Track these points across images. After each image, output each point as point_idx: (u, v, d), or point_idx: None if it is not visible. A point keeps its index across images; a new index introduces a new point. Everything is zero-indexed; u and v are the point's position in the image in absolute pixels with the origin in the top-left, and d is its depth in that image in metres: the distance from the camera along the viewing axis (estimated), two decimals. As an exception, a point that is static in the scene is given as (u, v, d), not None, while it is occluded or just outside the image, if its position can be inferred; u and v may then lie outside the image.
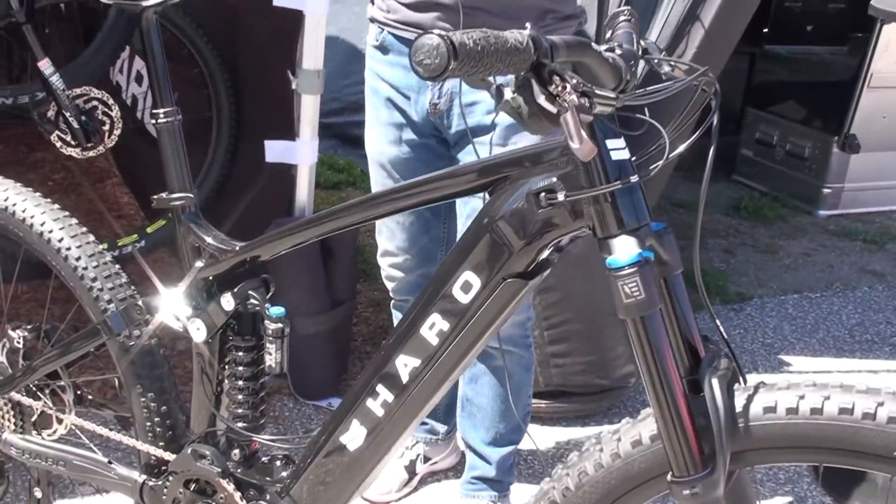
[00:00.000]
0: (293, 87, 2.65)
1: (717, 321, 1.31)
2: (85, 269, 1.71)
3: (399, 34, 2.03)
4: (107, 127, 2.81)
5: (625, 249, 1.24)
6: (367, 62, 2.15)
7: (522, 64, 1.10)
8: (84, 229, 1.76)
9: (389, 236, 2.23)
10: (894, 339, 3.67)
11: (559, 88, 1.09)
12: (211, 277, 1.64)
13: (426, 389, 1.44)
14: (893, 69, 4.68)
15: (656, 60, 1.32)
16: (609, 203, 1.25)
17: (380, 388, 1.46)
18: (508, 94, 1.13)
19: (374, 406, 1.47)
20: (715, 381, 1.24)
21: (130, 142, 2.89)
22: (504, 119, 1.96)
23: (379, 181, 2.19)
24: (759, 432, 1.24)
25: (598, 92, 1.11)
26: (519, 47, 1.09)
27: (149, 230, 3.06)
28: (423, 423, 2.46)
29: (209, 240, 1.62)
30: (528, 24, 1.13)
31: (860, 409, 1.20)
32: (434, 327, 1.40)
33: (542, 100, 1.11)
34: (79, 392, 1.87)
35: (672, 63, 1.30)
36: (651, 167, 1.23)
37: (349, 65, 4.54)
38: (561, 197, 1.26)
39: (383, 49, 2.08)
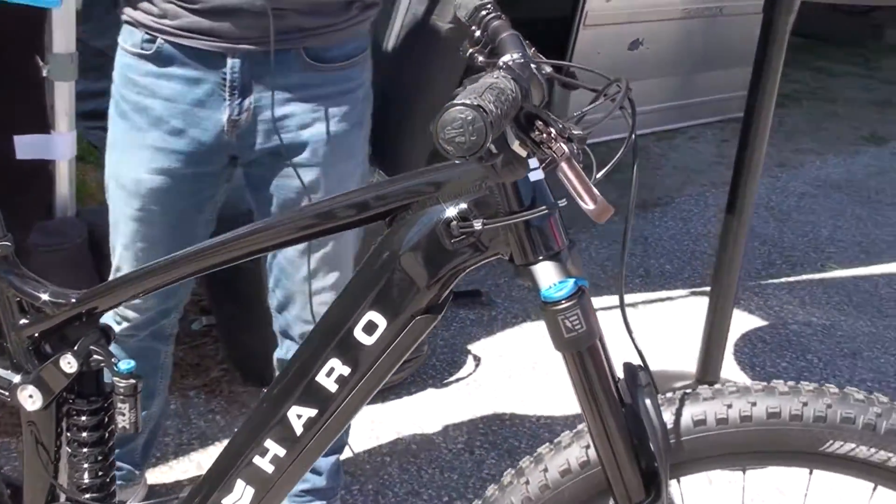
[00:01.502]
0: (44, 74, 2.34)
1: (632, 334, 1.28)
2: None
3: (182, 43, 1.72)
4: None
5: (549, 277, 1.17)
6: (123, 72, 1.80)
7: (514, 112, 0.98)
8: None
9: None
10: (641, 269, 3.87)
11: (543, 136, 0.98)
12: (37, 334, 1.41)
13: (324, 438, 1.31)
14: (605, 8, 4.88)
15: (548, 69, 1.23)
16: (527, 229, 1.17)
17: (269, 443, 1.32)
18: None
19: (263, 463, 1.33)
20: (648, 402, 1.21)
21: None
22: (315, 135, 1.80)
23: (128, 212, 1.84)
24: (691, 445, 1.23)
25: (575, 133, 1.02)
26: (516, 96, 0.96)
27: None
28: (119, 469, 2.11)
29: (35, 293, 1.39)
30: (503, 62, 1.01)
31: (787, 412, 1.22)
32: (333, 373, 1.27)
33: (516, 145, 1.00)
34: None
35: (573, 71, 1.23)
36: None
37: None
38: (478, 226, 1.17)
39: (159, 60, 1.75)
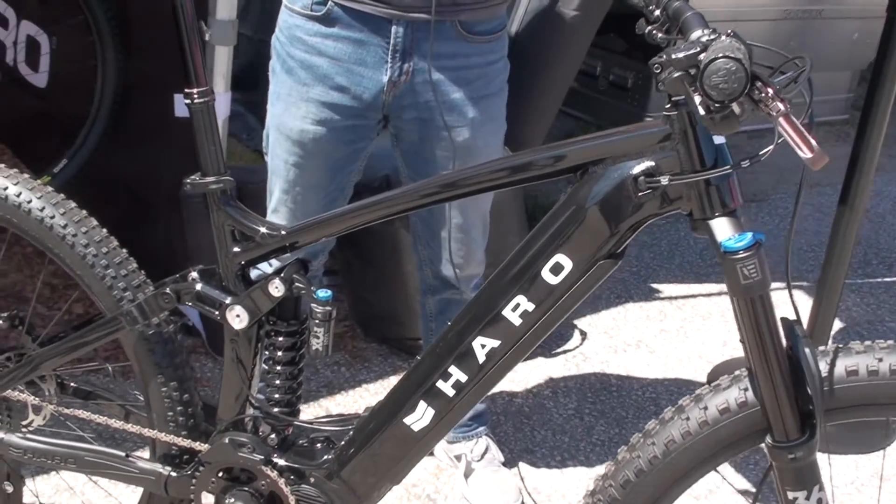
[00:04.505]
0: (206, 38, 2.52)
1: (791, 293, 1.41)
2: (95, 256, 1.60)
3: (352, 6, 1.90)
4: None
5: (726, 231, 1.30)
6: (290, 32, 1.98)
7: None
8: (85, 213, 1.64)
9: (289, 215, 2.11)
10: (737, 261, 3.96)
11: (762, 94, 1.12)
12: (243, 262, 1.58)
13: (503, 368, 1.46)
14: (706, 5, 4.91)
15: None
16: (709, 186, 1.31)
17: (452, 369, 1.47)
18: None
19: (445, 387, 1.48)
20: (807, 350, 1.33)
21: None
22: (465, 98, 1.97)
23: (291, 160, 2.04)
24: (844, 394, 1.35)
25: (784, 96, 1.15)
26: (748, 57, 1.11)
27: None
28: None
29: (251, 224, 1.55)
30: (729, 31, 1.15)
31: (933, 368, 1.34)
32: (518, 308, 1.41)
33: (734, 104, 1.14)
34: (60, 381, 1.76)
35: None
36: (761, 153, 1.29)
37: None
38: (665, 181, 1.30)
39: (328, 21, 1.92)
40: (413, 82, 1.95)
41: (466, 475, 2.43)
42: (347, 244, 2.94)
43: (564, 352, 3.12)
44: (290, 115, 2.00)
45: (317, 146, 2.00)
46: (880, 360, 1.35)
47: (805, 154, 1.14)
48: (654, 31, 1.45)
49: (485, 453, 2.44)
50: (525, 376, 2.94)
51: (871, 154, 2.68)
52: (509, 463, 2.54)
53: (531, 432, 2.70)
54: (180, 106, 2.62)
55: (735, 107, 1.14)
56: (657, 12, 1.45)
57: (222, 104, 2.63)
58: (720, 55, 1.11)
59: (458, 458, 2.46)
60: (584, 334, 3.23)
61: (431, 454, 2.52)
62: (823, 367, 1.35)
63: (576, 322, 3.28)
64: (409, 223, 2.85)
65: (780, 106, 1.13)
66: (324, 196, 2.05)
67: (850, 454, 2.71)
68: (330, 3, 1.91)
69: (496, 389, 2.86)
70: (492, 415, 2.72)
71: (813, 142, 1.13)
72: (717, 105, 1.13)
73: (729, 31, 1.17)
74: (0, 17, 2.99)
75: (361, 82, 1.95)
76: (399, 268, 2.83)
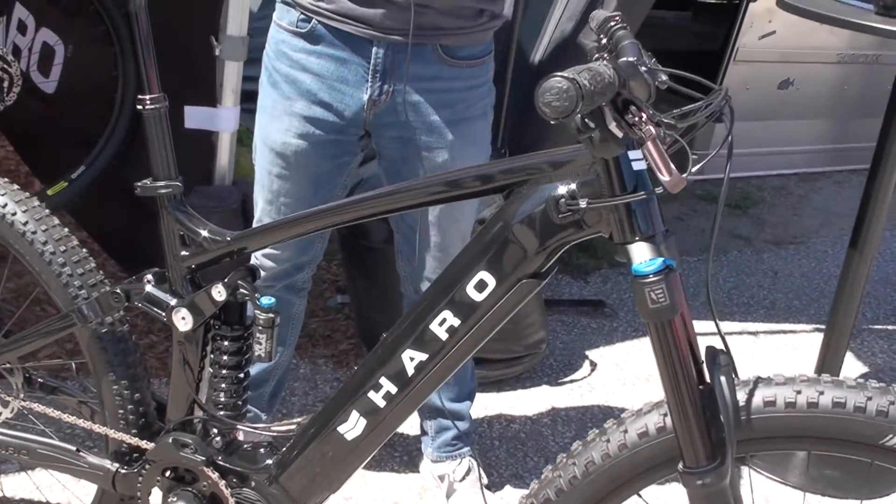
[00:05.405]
0: (216, 53, 2.59)
1: (717, 321, 1.40)
2: (53, 254, 1.66)
3: (334, 25, 1.94)
4: (6, 84, 2.70)
5: (642, 256, 1.30)
6: (277, 47, 2.03)
7: (609, 95, 1.14)
8: (47, 211, 1.70)
9: None
10: (767, 301, 3.91)
11: (636, 119, 1.14)
12: (193, 266, 1.63)
13: (432, 381, 1.48)
14: (757, 45, 4.91)
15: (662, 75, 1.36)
16: (628, 211, 1.31)
17: (383, 381, 1.49)
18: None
19: (377, 398, 1.50)
20: (723, 379, 1.33)
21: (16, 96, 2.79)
22: (443, 121, 2.00)
23: (274, 171, 2.08)
24: (760, 424, 1.34)
25: (665, 120, 1.17)
26: (611, 81, 1.13)
27: (50, 193, 2.95)
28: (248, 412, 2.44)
29: (197, 229, 1.60)
30: (605, 55, 1.17)
31: (852, 403, 1.31)
32: (444, 323, 1.43)
33: (612, 126, 1.16)
34: (28, 375, 1.82)
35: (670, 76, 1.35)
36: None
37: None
38: (583, 204, 1.32)
39: (311, 38, 1.97)
40: (394, 102, 1.98)
41: (448, 495, 2.43)
42: (354, 262, 2.98)
43: (571, 381, 3.11)
44: (274, 127, 2.05)
45: (299, 159, 2.04)
46: (798, 392, 1.33)
47: (664, 177, 1.16)
48: (600, 58, 1.46)
49: (467, 474, 2.44)
50: (527, 403, 2.94)
51: (881, 199, 2.63)
52: (496, 486, 2.54)
53: (524, 458, 2.69)
54: (190, 118, 2.70)
55: (615, 129, 1.16)
56: (605, 40, 1.46)
57: (231, 119, 2.70)
58: (557, 74, 1.13)
59: (442, 478, 2.46)
60: (593, 364, 3.21)
61: (417, 472, 2.53)
62: (742, 396, 1.35)
63: (587, 352, 3.27)
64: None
65: (652, 130, 1.14)
66: (307, 209, 2.09)
67: (850, 498, 2.64)
68: (314, 21, 1.95)
69: (494, 413, 2.91)
70: (486, 439, 2.72)
71: (673, 167, 1.14)
72: (553, 121, 1.14)
73: (608, 56, 1.19)
74: (20, 23, 3.09)
75: (343, 99, 1.99)
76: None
